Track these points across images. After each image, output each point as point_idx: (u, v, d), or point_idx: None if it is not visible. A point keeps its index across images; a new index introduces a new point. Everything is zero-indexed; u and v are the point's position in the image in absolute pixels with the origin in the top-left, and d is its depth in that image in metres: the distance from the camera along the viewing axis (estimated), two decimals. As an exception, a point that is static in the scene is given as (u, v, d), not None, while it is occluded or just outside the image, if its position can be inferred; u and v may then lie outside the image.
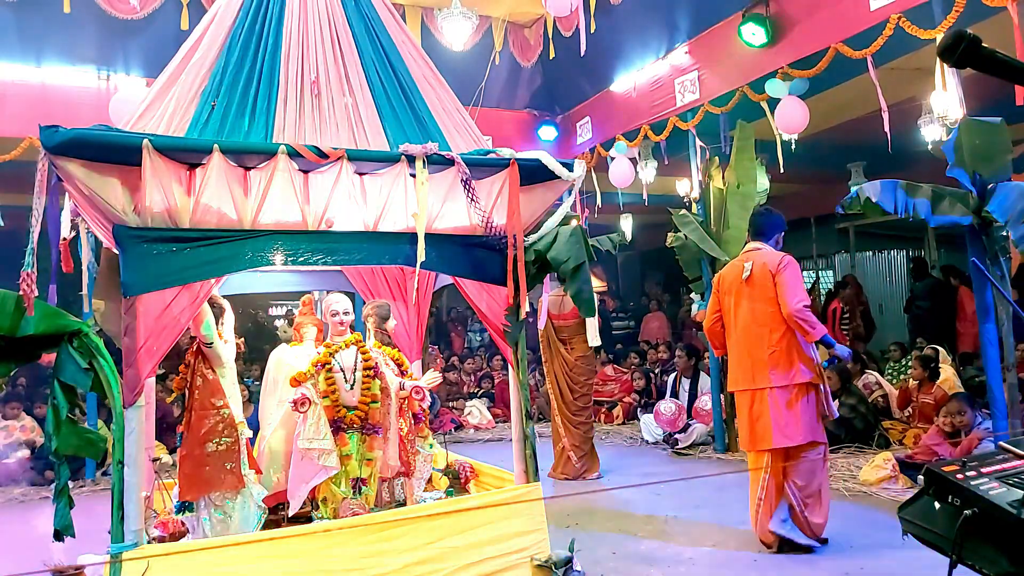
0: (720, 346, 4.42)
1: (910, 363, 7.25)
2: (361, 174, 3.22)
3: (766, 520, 4.01)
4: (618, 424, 8.82)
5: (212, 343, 3.60)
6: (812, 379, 3.96)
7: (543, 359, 6.60)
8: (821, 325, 3.91)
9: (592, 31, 7.11)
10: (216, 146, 2.88)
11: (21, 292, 2.78)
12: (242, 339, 4.01)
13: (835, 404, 4.98)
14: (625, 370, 9.69)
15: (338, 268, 4.83)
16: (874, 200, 4.74)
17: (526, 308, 3.64)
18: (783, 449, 3.95)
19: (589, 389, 6.52)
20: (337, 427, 3.73)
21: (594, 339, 6.51)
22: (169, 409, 7.41)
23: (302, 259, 3.17)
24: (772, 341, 3.98)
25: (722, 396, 6.87)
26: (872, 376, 7.34)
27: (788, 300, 3.89)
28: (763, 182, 6.87)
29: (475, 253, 3.53)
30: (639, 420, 8.15)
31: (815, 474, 3.99)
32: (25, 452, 7.04)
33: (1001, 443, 1.75)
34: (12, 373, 3.02)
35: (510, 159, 3.44)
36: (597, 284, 6.73)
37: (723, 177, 6.93)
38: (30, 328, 2.90)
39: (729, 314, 4.24)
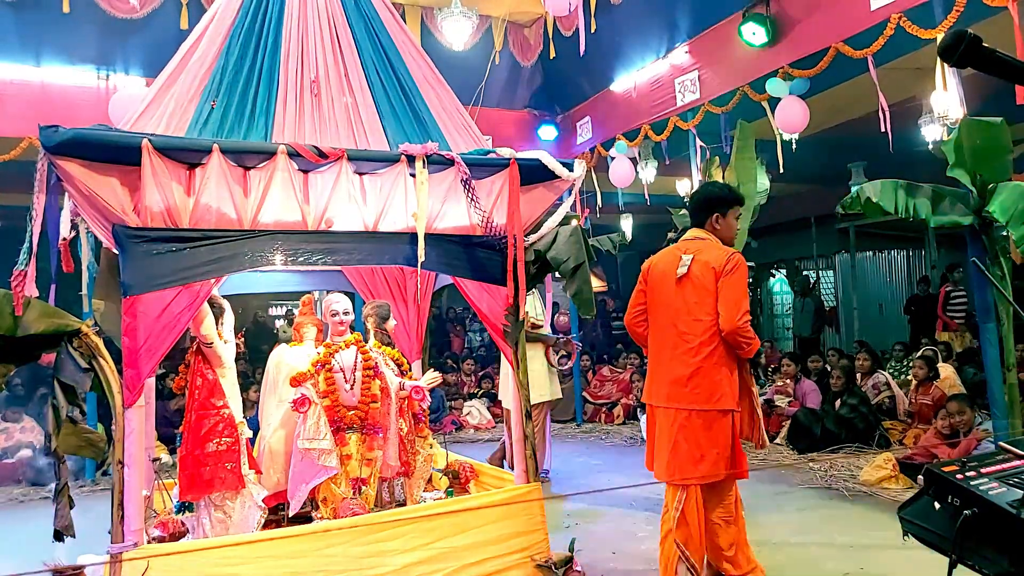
0: (647, 345, 3.64)
1: (912, 363, 7.26)
2: (361, 174, 3.22)
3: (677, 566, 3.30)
4: (618, 424, 8.84)
5: (212, 343, 3.60)
6: (735, 406, 3.31)
7: None
8: (758, 339, 3.30)
9: (592, 31, 7.10)
10: (216, 146, 2.88)
11: (12, 291, 2.77)
12: (243, 339, 4.01)
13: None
14: (620, 370, 9.78)
15: (338, 268, 4.83)
16: (874, 200, 4.74)
17: (525, 308, 3.64)
18: (696, 484, 3.31)
19: None
20: (337, 427, 3.73)
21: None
22: (169, 409, 7.41)
23: (302, 259, 3.18)
24: (700, 356, 3.27)
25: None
26: (882, 376, 7.33)
27: (732, 314, 3.21)
28: (763, 182, 6.87)
29: (475, 253, 3.53)
30: (639, 420, 8.14)
31: (729, 523, 3.37)
32: (26, 452, 7.04)
33: (1001, 443, 1.75)
34: (11, 373, 3.00)
35: (510, 159, 3.44)
36: (597, 284, 6.68)
37: (723, 177, 6.93)
38: (30, 328, 2.89)
39: (654, 312, 3.52)
